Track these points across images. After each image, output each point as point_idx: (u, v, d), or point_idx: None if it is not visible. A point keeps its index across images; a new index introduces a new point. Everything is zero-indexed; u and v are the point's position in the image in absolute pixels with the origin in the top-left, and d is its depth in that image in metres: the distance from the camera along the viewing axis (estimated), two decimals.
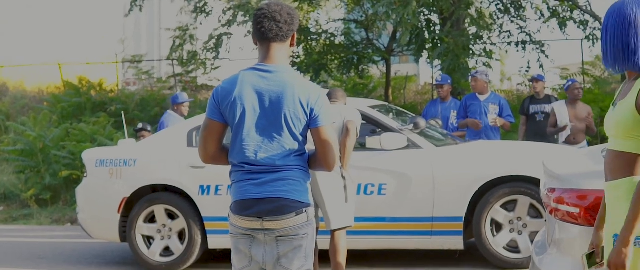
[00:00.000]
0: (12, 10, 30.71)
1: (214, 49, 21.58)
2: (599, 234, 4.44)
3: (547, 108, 13.30)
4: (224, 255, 10.65)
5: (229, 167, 4.98)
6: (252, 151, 4.76)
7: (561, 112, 12.76)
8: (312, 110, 4.73)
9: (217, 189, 10.18)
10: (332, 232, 8.34)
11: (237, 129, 4.78)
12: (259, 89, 4.75)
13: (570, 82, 13.29)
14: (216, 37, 21.41)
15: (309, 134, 4.83)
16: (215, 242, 10.24)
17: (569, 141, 12.53)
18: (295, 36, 4.93)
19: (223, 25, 21.36)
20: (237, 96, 4.75)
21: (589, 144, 13.11)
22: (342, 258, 8.30)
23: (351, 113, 8.54)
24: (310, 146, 4.82)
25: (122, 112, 14.71)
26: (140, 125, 15.25)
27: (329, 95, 8.83)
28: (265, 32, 4.81)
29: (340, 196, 8.30)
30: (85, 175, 11.06)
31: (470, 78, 13.74)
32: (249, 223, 4.76)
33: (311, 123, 4.76)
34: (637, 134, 4.03)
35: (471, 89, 13.64)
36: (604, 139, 16.29)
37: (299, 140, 4.78)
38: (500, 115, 13.17)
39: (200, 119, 10.87)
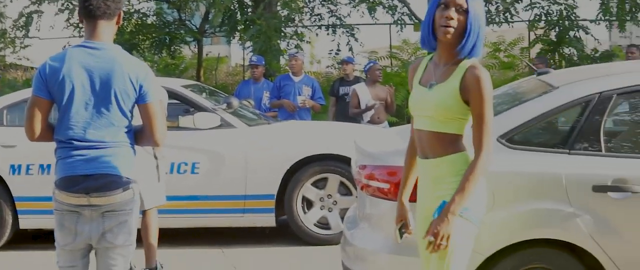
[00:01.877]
0: None
1: (24, 27, 21.15)
2: (404, 206, 4.69)
3: None
4: (35, 236, 10.56)
5: (40, 146, 4.99)
6: (80, 128, 4.78)
7: (363, 92, 13.10)
8: (141, 87, 4.79)
9: (28, 169, 10.04)
10: (144, 212, 8.34)
11: (66, 106, 4.78)
12: (88, 66, 4.76)
13: (371, 64, 13.73)
14: (26, 15, 20.99)
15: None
16: (27, 223, 10.10)
17: (373, 120, 12.91)
18: (121, 14, 4.95)
19: (33, 3, 20.96)
20: (66, 73, 4.75)
21: (390, 124, 13.53)
22: (153, 238, 8.31)
23: (160, 92, 8.52)
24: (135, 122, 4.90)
25: None
26: None
27: None
28: (92, 10, 4.81)
29: (152, 175, 8.33)
30: None
31: (290, 57, 13.95)
32: (76, 199, 4.78)
33: (139, 99, 4.81)
34: (459, 116, 4.29)
35: (290, 68, 13.84)
36: (410, 119, 16.78)
37: (127, 116, 4.83)
38: (312, 97, 13.46)
39: (11, 98, 10.70)
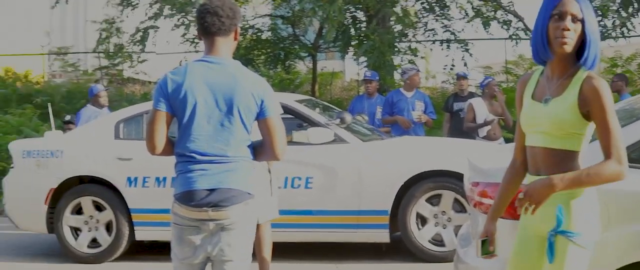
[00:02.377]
0: None
1: (140, 42, 21.47)
2: (493, 223, 4.60)
3: None
4: (151, 247, 10.72)
5: (156, 159, 5.05)
6: (203, 142, 4.80)
7: (479, 107, 12.98)
8: (262, 102, 4.80)
9: (144, 181, 10.20)
10: (258, 226, 8.36)
11: (189, 120, 4.82)
12: (209, 81, 4.80)
13: (488, 80, 13.58)
14: (142, 30, 21.31)
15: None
16: (143, 234, 10.27)
17: (489, 136, 12.78)
18: (238, 30, 4.98)
19: (149, 18, 21.28)
20: (188, 87, 4.80)
21: (506, 140, 13.36)
22: (267, 252, 8.34)
23: None
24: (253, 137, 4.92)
25: (49, 104, 14.63)
26: (67, 118, 15.20)
27: None
28: (208, 27, 4.87)
29: (266, 189, 8.37)
30: (11, 166, 11.02)
31: (414, 73, 13.86)
32: (197, 213, 4.79)
33: (260, 114, 4.83)
34: (576, 131, 4.14)
35: (410, 84, 13.74)
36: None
37: (248, 131, 4.85)
38: (424, 111, 13.41)
39: (127, 111, 10.89)
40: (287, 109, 10.16)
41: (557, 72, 4.23)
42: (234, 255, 4.88)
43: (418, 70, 13.93)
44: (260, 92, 4.81)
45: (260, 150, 4.95)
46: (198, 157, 4.81)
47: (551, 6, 4.14)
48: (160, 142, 4.89)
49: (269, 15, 23.26)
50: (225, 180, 4.78)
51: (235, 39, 4.98)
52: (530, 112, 4.32)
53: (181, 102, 4.81)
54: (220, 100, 4.79)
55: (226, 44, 4.91)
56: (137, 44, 21.57)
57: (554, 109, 4.17)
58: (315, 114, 10.43)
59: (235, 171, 4.81)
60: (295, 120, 10.41)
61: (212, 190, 4.77)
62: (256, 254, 8.23)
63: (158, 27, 21.39)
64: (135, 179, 10.24)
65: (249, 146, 4.90)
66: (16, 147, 11.07)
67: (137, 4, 21.77)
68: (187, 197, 4.82)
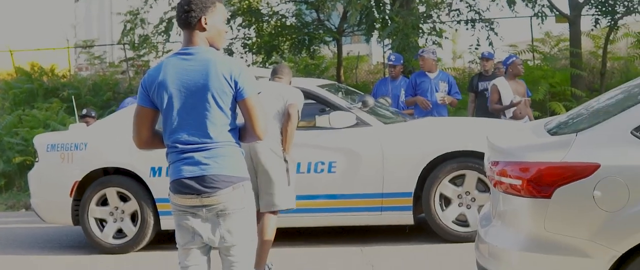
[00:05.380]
0: None
1: (165, 33, 21.52)
2: None
3: None
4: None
5: None
6: (183, 131, 4.92)
7: (503, 87, 12.83)
8: (236, 83, 4.88)
9: (168, 171, 10.20)
10: (263, 214, 8.26)
11: (167, 112, 4.95)
12: (182, 71, 4.91)
13: (512, 58, 13.30)
14: (167, 21, 21.34)
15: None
16: (168, 223, 10.26)
17: (515, 116, 12.65)
18: (202, 20, 4.98)
19: (173, 8, 21.28)
20: (162, 80, 4.93)
21: (536, 118, 13.26)
22: (267, 240, 8.23)
23: (293, 95, 8.42)
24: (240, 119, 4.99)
25: (73, 97, 14.68)
26: (84, 111, 15.19)
27: (275, 72, 8.88)
28: (178, 20, 5.03)
29: (282, 179, 8.33)
30: (36, 160, 11.07)
31: (418, 57, 13.84)
32: (189, 200, 4.93)
33: (237, 96, 4.90)
34: None
35: (420, 67, 13.74)
36: (553, 113, 16.50)
37: (227, 115, 4.92)
38: (448, 92, 13.33)
39: None
40: (308, 94, 10.14)
41: None
42: (235, 240, 4.99)
43: (433, 52, 13.76)
44: (234, 73, 4.88)
45: (242, 132, 5.05)
46: (181, 146, 4.93)
47: None
48: (144, 135, 5.11)
49: (293, 0, 23.24)
50: (210, 166, 4.88)
51: (201, 29, 4.99)
52: None
53: (158, 96, 4.95)
54: (194, 89, 4.88)
55: (196, 36, 4.99)
56: (162, 34, 21.62)
57: None
58: (337, 98, 10.41)
59: (219, 156, 4.90)
60: (318, 105, 10.38)
61: (198, 178, 4.87)
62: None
63: None
64: (159, 168, 10.26)
65: (232, 129, 4.97)
66: (40, 140, 11.12)
67: None
68: (177, 186, 4.96)
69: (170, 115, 4.93)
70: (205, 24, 4.98)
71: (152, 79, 4.98)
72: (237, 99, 4.90)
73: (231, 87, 4.86)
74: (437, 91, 13.20)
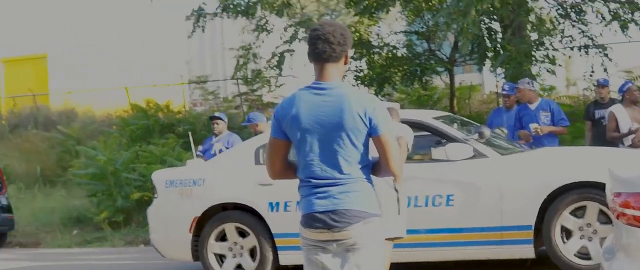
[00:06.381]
0: (79, 38, 31.16)
1: (277, 67, 21.70)
2: None
3: None
4: None
5: (297, 182, 5.13)
6: (316, 166, 4.92)
7: (621, 114, 12.58)
8: (370, 120, 4.87)
9: (286, 206, 10.26)
10: None
11: (300, 147, 4.96)
12: (315, 106, 4.90)
13: (627, 84, 13.06)
14: (279, 55, 21.52)
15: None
16: (287, 258, 10.32)
17: (634, 144, 12.36)
18: (348, 55, 5.04)
19: (285, 42, 21.47)
20: (295, 115, 4.93)
21: None
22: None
23: (402, 130, 8.43)
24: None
25: (190, 133, 14.89)
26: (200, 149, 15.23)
27: None
28: (319, 53, 4.95)
29: (393, 208, 8.30)
30: (155, 196, 11.23)
31: (514, 91, 13.66)
32: (319, 235, 4.92)
33: (372, 132, 4.89)
34: None
35: (520, 97, 13.53)
36: None
37: (360, 151, 4.92)
38: (552, 120, 13.06)
39: (266, 137, 10.96)
40: (424, 126, 10.11)
41: None
42: None
43: (528, 82, 13.54)
44: (368, 110, 4.86)
45: (376, 167, 5.04)
46: (314, 181, 4.94)
47: None
48: (277, 167, 5.13)
49: (403, 31, 23.23)
50: (343, 201, 4.87)
51: (345, 63, 5.04)
52: None
53: (292, 130, 4.96)
54: (327, 125, 4.87)
55: (336, 69, 4.99)
56: (274, 68, 21.81)
57: None
58: (453, 130, 10.32)
59: (352, 192, 4.89)
60: (433, 137, 10.32)
61: (330, 212, 4.87)
62: None
63: (294, 51, 21.57)
64: (277, 203, 10.31)
65: (365, 166, 4.96)
66: (159, 176, 11.29)
67: (272, 29, 21.98)
68: (308, 220, 4.97)
69: (304, 149, 4.95)
70: (349, 57, 5.01)
71: (285, 111, 4.99)
72: (372, 135, 4.90)
73: (365, 124, 4.85)
74: (537, 122, 12.97)
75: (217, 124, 14.90)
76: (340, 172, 4.88)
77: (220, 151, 14.05)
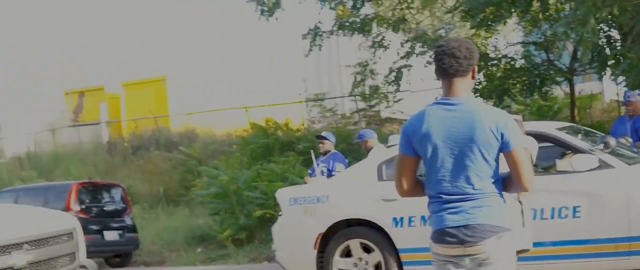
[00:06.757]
0: (197, 60, 31.70)
1: (395, 82, 21.73)
2: None
3: None
4: None
5: (421, 198, 5.15)
6: (447, 182, 4.91)
7: None
8: (502, 135, 4.85)
9: (410, 221, 10.26)
10: None
11: (431, 162, 4.95)
12: (446, 122, 4.90)
13: None
14: (396, 70, 21.56)
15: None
16: None
17: None
18: (476, 69, 5.04)
19: (402, 58, 21.50)
20: (426, 131, 4.93)
21: None
22: None
23: (527, 141, 8.38)
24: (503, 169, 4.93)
25: (311, 151, 14.98)
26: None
27: None
28: (446, 69, 4.96)
29: (517, 220, 8.25)
30: (280, 214, 11.34)
31: (626, 101, 13.41)
32: (452, 250, 4.91)
33: (503, 147, 4.87)
34: None
35: (631, 109, 13.27)
36: None
37: (492, 166, 4.90)
38: None
39: (388, 153, 11.01)
40: (548, 138, 10.03)
41: None
42: None
43: (631, 96, 13.28)
44: (500, 125, 4.85)
45: (508, 182, 5.01)
46: (445, 196, 4.92)
47: None
48: (406, 184, 5.11)
49: (521, 42, 23.05)
50: (475, 216, 4.86)
51: (473, 77, 5.04)
52: None
53: (422, 146, 4.96)
54: (459, 141, 4.87)
55: (464, 84, 4.99)
56: (392, 83, 21.85)
57: None
58: (577, 141, 10.20)
59: (484, 207, 4.88)
60: (557, 148, 10.21)
61: (463, 227, 4.86)
62: None
63: (411, 66, 21.60)
64: (401, 218, 10.32)
65: (496, 181, 4.94)
66: (283, 195, 11.40)
67: (389, 44, 22.04)
68: (439, 236, 4.95)
69: (435, 166, 4.94)
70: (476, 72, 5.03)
71: (415, 128, 4.99)
72: (503, 150, 4.89)
73: (497, 139, 4.85)
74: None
75: (323, 143, 14.93)
76: (472, 187, 4.87)
77: (322, 173, 14.11)
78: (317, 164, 14.49)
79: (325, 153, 14.83)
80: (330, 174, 13.99)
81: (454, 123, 4.89)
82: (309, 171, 14.95)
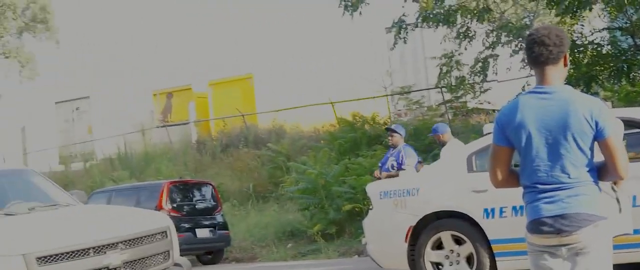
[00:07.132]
0: (283, 57, 31.92)
1: (481, 72, 21.64)
2: None
3: None
4: None
5: (511, 189, 5.17)
6: (542, 171, 4.88)
7: None
8: (597, 123, 4.81)
9: (501, 212, 10.22)
10: None
11: (526, 152, 4.92)
12: (541, 111, 4.87)
13: None
14: (482, 60, 21.47)
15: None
16: (505, 265, 10.26)
17: None
18: (567, 56, 5.00)
19: (487, 48, 21.41)
20: (521, 121, 4.90)
21: None
22: None
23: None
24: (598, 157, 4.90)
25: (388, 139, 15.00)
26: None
27: None
28: (537, 57, 4.93)
29: (613, 207, 8.16)
30: (370, 207, 11.40)
31: None
32: (548, 240, 4.88)
33: (598, 135, 4.83)
34: None
35: None
36: None
37: (587, 154, 4.87)
38: None
39: (478, 144, 10.99)
40: (637, 123, 9.91)
41: None
42: None
43: None
44: (594, 113, 4.81)
45: (603, 171, 4.97)
46: (541, 186, 4.89)
47: None
48: (500, 175, 5.08)
49: (606, 28, 22.77)
50: (571, 205, 4.83)
51: (565, 65, 4.99)
52: None
53: (516, 136, 4.93)
54: (554, 129, 4.84)
55: (556, 72, 4.96)
56: (478, 74, 21.76)
57: None
58: None
59: (580, 195, 4.85)
60: None
61: (559, 216, 4.83)
62: None
63: (497, 55, 21.48)
64: (492, 210, 10.29)
65: (591, 169, 4.91)
66: (373, 188, 11.46)
67: (474, 35, 21.96)
68: (535, 226, 4.92)
69: (529, 155, 4.92)
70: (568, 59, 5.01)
71: (508, 118, 4.97)
72: (598, 138, 4.84)
73: (592, 127, 4.81)
74: None
75: (392, 136, 14.83)
76: (567, 176, 4.84)
77: (392, 166, 14.10)
78: (387, 157, 14.51)
79: (395, 146, 14.74)
80: (399, 167, 13.94)
81: (548, 112, 4.86)
82: (379, 164, 14.96)
